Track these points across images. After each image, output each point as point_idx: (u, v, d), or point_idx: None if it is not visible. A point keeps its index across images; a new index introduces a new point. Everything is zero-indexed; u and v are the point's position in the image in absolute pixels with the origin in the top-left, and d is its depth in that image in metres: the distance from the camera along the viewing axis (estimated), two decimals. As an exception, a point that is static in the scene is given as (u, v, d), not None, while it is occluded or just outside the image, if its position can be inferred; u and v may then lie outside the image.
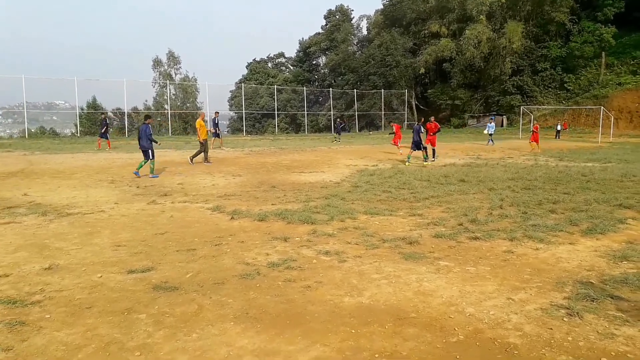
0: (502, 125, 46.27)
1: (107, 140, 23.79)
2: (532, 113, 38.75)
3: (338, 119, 39.21)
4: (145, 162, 14.02)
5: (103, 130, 23.79)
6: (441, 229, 7.44)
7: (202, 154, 17.03)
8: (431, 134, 18.88)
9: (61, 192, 11.19)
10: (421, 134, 18.31)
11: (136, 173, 13.72)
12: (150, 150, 13.97)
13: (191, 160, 16.86)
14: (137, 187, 12.02)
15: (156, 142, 14.54)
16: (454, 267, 5.57)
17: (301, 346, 3.72)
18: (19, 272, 5.41)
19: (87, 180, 12.96)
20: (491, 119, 31.90)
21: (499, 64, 46.05)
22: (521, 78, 46.67)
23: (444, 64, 49.33)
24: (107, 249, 6.46)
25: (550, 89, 46.36)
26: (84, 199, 10.37)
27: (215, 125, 24.93)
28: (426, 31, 50.43)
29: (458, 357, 3.54)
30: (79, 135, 35.93)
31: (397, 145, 22.87)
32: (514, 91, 46.87)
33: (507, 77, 46.69)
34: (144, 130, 14.11)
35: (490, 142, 27.82)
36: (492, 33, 44.99)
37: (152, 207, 9.50)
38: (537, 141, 23.63)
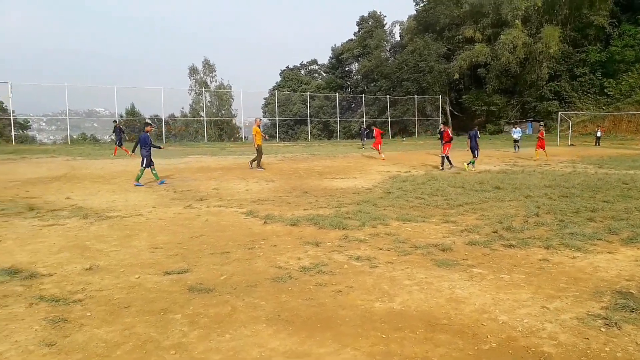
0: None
1: (116, 147, 23.64)
2: (570, 119, 37.82)
3: (362, 126, 39.23)
4: (153, 170, 13.86)
5: (120, 138, 23.97)
6: (475, 236, 7.35)
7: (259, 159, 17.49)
8: (445, 141, 18.21)
9: (101, 196, 11.58)
10: (478, 139, 18.13)
11: (161, 183, 13.65)
12: (145, 159, 13.62)
13: (251, 164, 17.38)
14: (174, 191, 12.31)
15: (159, 147, 14.49)
16: (487, 275, 5.51)
17: (332, 349, 3.75)
18: (62, 272, 5.63)
19: (126, 185, 13.34)
20: (529, 124, 31.27)
21: (535, 69, 45.19)
22: (559, 83, 45.66)
23: (478, 70, 48.77)
24: (145, 251, 6.66)
25: (589, 94, 45.17)
26: (123, 203, 10.69)
27: None
28: (460, 36, 50.01)
29: (490, 364, 3.51)
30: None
31: (377, 150, 22.93)
32: (551, 97, 45.89)
33: (544, 83, 45.75)
34: (144, 139, 13.91)
35: (517, 148, 27.18)
36: (528, 38, 44.23)
37: (188, 211, 9.72)
38: (543, 147, 22.63)
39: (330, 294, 4.93)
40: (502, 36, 44.45)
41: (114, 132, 25.21)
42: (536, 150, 22.92)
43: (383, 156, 22.18)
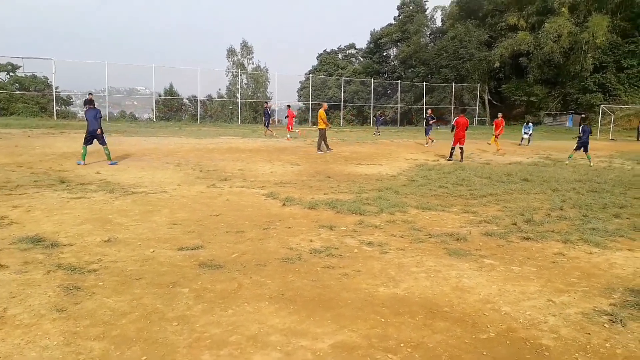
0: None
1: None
2: (613, 113, 36.38)
3: (378, 112, 38.92)
4: (105, 149, 13.19)
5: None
6: (493, 227, 7.26)
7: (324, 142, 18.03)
8: (460, 131, 17.03)
9: (130, 172, 11.91)
10: (590, 135, 17.95)
11: (113, 163, 12.97)
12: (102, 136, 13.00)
13: (319, 148, 17.94)
14: (200, 170, 12.55)
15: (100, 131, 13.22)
16: (498, 266, 5.45)
17: (329, 330, 3.81)
18: (82, 243, 5.87)
19: (155, 162, 13.67)
20: (569, 117, 30.16)
21: (579, 60, 43.29)
22: (604, 75, 43.63)
23: (520, 59, 47.22)
24: (164, 226, 6.85)
25: (636, 87, 43.00)
26: (150, 179, 10.98)
27: (268, 115, 27.54)
28: (503, 23, 48.41)
29: (485, 353, 3.50)
30: (154, 120, 37.75)
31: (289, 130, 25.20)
32: (595, 89, 43.88)
33: (588, 74, 43.77)
34: (96, 114, 13.15)
35: (524, 142, 25.97)
36: (574, 27, 42.39)
37: (210, 190, 9.91)
38: (496, 137, 21.76)
39: (337, 277, 4.98)
40: (546, 24, 42.79)
41: (85, 104, 25.08)
42: (495, 141, 22.07)
43: (288, 136, 24.32)
